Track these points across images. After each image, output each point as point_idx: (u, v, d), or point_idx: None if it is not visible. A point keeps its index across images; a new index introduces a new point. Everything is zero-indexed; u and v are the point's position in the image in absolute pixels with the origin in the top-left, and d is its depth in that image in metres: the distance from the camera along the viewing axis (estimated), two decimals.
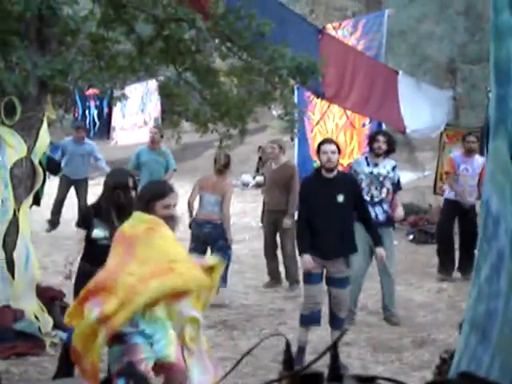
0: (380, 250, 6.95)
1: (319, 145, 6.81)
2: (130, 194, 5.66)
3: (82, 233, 5.86)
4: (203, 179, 9.23)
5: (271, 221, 9.74)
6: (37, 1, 5.78)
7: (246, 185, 20.06)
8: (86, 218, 5.91)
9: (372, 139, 8.15)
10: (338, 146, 6.71)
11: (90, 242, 5.81)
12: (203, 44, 8.50)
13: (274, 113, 14.03)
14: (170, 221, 4.72)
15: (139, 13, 8.21)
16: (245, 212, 16.07)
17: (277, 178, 9.64)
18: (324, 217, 6.59)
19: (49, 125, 7.64)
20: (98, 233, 5.77)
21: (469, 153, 10.00)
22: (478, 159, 10.04)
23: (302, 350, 6.67)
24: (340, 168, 7.47)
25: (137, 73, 9.18)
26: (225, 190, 8.87)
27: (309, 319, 6.73)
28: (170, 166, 11.40)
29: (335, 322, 6.71)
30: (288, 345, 1.47)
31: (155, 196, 4.68)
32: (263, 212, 10.02)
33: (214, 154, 9.68)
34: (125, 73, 8.99)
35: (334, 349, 1.48)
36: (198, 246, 8.56)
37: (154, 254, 4.48)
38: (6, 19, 6.91)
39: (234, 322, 8.07)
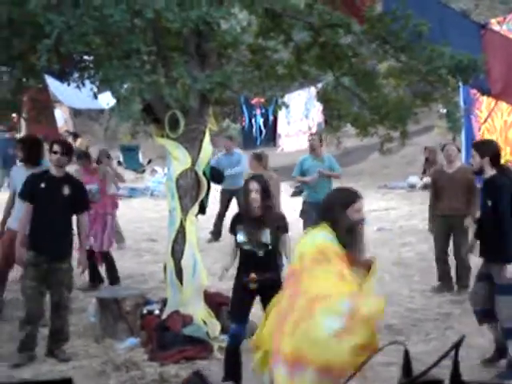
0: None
1: None
2: None
3: (232, 239, 6.15)
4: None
5: (446, 226, 9.44)
6: (193, 17, 5.97)
7: (412, 186, 19.66)
8: (231, 225, 6.20)
9: None
10: (479, 150, 6.63)
11: (237, 246, 6.13)
12: (365, 47, 8.47)
13: (440, 111, 13.73)
14: (362, 224, 4.71)
15: (295, 21, 8.31)
16: (412, 214, 15.76)
17: (455, 182, 9.36)
18: (481, 217, 6.67)
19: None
20: (240, 238, 6.02)
21: None
22: None
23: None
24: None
25: (295, 80, 9.30)
26: None
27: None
28: (335, 171, 11.29)
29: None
30: (406, 352, 1.45)
31: (348, 201, 4.67)
32: (432, 217, 9.69)
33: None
34: (284, 81, 9.13)
35: (455, 355, 1.44)
36: None
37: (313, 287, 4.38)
38: (166, 36, 7.22)
39: (399, 326, 7.95)
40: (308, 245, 4.48)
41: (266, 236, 5.94)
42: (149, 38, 7.38)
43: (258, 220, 5.98)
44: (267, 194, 6.03)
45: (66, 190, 7.00)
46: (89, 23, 5.66)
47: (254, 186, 5.96)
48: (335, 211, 4.56)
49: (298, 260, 4.47)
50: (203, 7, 6.12)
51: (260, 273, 5.91)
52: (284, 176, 14.84)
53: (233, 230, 6.11)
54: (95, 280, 9.90)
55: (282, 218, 6.24)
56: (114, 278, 9.92)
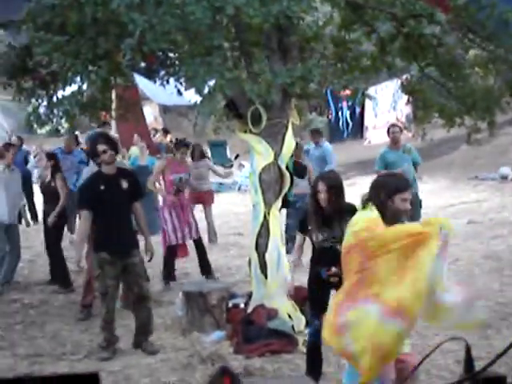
0: None
1: None
2: None
3: (300, 236, 6.05)
4: None
5: None
6: (274, 12, 5.99)
7: (504, 178, 19.16)
8: (303, 224, 6.04)
9: None
10: None
11: (312, 243, 5.96)
12: (450, 36, 8.33)
13: None
14: (405, 215, 4.69)
15: (378, 12, 8.24)
16: (503, 206, 15.39)
17: None
18: None
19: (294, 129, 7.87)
20: (319, 236, 5.87)
21: None
22: None
23: None
24: None
25: (380, 72, 9.21)
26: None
27: None
28: (416, 161, 11.08)
29: None
30: (468, 348, 1.43)
31: (397, 189, 4.65)
32: None
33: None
34: (368, 73, 9.06)
35: None
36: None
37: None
38: (247, 32, 7.26)
39: (489, 320, 7.73)
40: (359, 221, 4.67)
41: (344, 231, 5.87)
42: (230, 34, 7.47)
43: (333, 216, 5.90)
44: (336, 191, 5.90)
45: (124, 184, 7.06)
46: (170, 21, 5.75)
47: (320, 187, 5.86)
48: (381, 197, 4.58)
49: (352, 237, 4.66)
50: (284, 2, 6.12)
51: (339, 267, 5.83)
52: (371, 169, 14.72)
53: (305, 229, 6.05)
54: (169, 277, 9.89)
55: (353, 211, 6.13)
56: (207, 266, 9.90)
